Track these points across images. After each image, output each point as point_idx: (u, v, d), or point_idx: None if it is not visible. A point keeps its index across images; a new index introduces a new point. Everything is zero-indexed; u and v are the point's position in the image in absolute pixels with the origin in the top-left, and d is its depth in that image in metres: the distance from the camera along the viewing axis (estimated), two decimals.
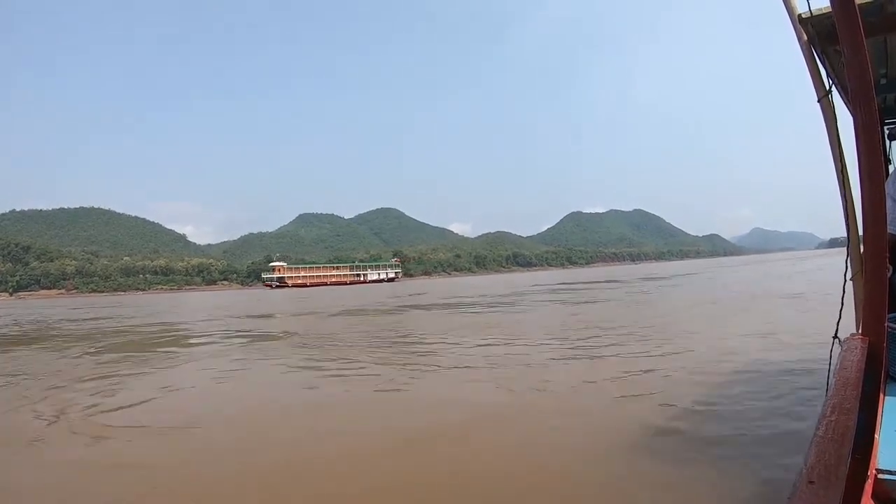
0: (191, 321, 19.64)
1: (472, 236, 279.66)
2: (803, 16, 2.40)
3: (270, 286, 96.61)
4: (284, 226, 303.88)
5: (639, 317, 12.39)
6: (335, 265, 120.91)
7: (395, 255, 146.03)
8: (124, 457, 4.07)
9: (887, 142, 3.70)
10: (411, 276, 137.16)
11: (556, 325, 11.88)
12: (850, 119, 1.62)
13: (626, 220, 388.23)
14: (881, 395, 1.64)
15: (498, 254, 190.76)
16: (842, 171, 2.39)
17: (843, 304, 2.02)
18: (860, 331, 1.82)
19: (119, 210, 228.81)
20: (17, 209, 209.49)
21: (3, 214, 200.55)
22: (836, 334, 1.98)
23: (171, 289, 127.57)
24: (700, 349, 7.09)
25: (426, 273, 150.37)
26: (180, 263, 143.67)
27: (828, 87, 2.39)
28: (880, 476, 1.24)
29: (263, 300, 39.07)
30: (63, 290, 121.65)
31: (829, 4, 1.63)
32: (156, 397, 6.09)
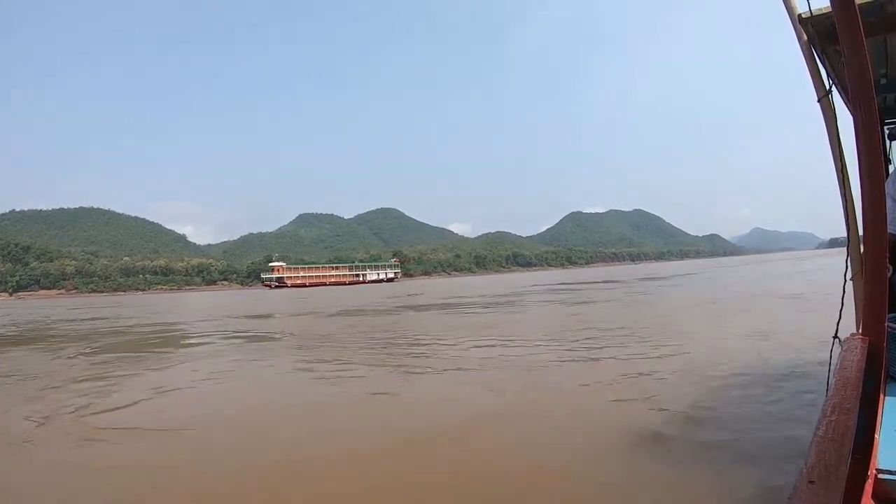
0: (188, 321, 19.63)
1: (472, 236, 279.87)
2: (803, 16, 2.40)
3: (269, 286, 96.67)
4: (284, 226, 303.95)
5: (638, 317, 12.39)
6: (334, 265, 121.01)
7: (394, 256, 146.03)
8: (122, 458, 4.07)
9: (887, 142, 3.70)
10: (411, 276, 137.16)
11: (554, 325, 11.87)
12: (850, 119, 1.62)
13: (625, 220, 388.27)
14: (881, 395, 1.64)
15: (498, 254, 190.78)
16: (842, 171, 2.39)
17: (843, 304, 2.02)
18: (860, 331, 1.82)
19: (119, 210, 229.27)
20: (17, 209, 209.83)
21: (2, 214, 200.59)
22: (836, 334, 1.98)
23: (171, 289, 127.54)
24: (699, 351, 7.02)
25: (426, 273, 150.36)
26: (180, 264, 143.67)
27: (828, 87, 2.39)
28: (880, 476, 1.24)
29: (262, 300, 39.09)
30: (63, 291, 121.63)
31: (829, 4, 1.63)
32: (150, 398, 6.07)
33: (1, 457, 4.28)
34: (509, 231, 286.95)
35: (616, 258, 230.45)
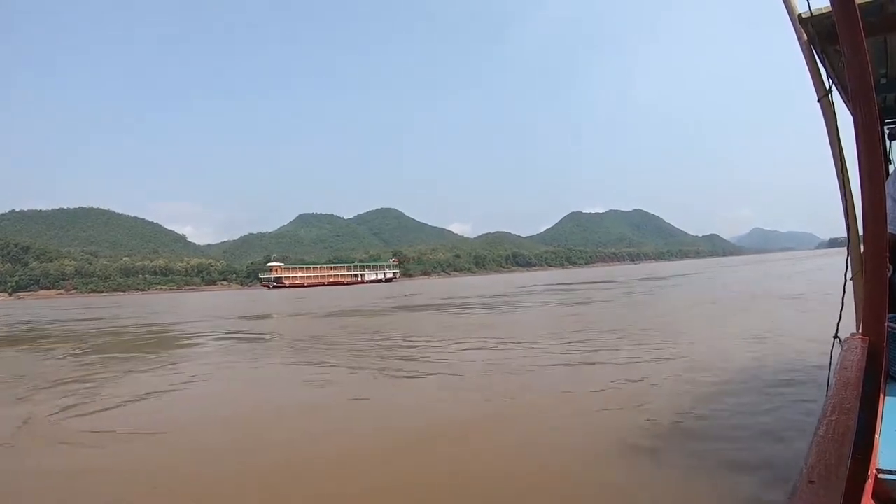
0: (185, 322, 19.61)
1: (472, 236, 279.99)
2: (803, 16, 2.41)
3: (268, 286, 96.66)
4: (284, 226, 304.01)
5: (636, 318, 12.38)
6: (333, 266, 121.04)
7: (394, 256, 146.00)
8: (121, 458, 4.07)
9: (887, 142, 3.70)
10: (410, 276, 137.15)
11: (551, 326, 11.80)
12: (850, 119, 1.62)
13: (625, 221, 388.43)
14: (881, 395, 1.64)
15: (497, 254, 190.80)
16: (842, 170, 2.39)
17: (843, 304, 2.02)
18: (860, 331, 1.82)
19: (118, 210, 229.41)
20: (17, 209, 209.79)
21: (2, 215, 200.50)
22: (836, 334, 1.98)
23: (171, 289, 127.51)
24: (697, 354, 6.84)
25: (425, 273, 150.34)
26: (180, 264, 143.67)
27: (828, 87, 2.40)
28: (880, 476, 1.24)
29: (259, 301, 39.05)
30: (62, 291, 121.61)
31: (829, 4, 1.63)
32: (142, 399, 6.04)
33: (7, 457, 4.27)
34: (509, 231, 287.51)
35: (616, 258, 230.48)
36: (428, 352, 8.61)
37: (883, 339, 1.65)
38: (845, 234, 2.37)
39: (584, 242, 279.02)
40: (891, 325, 1.80)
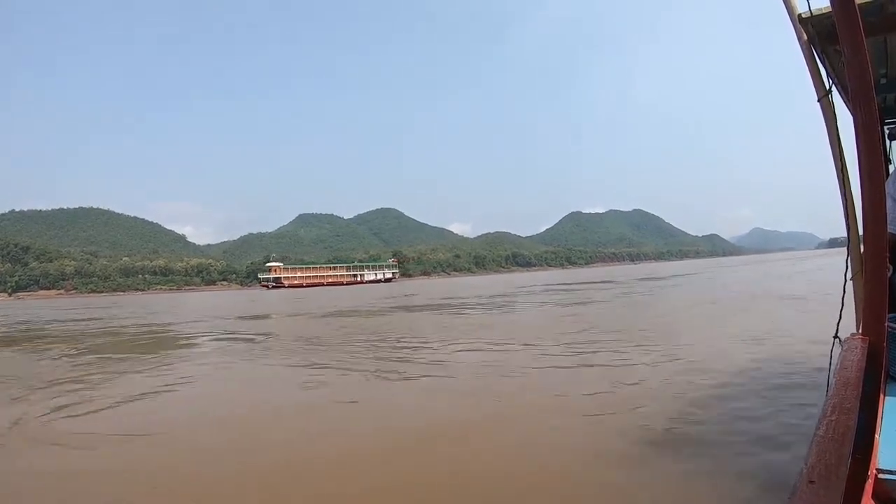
0: (183, 322, 19.61)
1: (472, 236, 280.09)
2: (803, 16, 2.41)
3: (267, 287, 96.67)
4: (284, 226, 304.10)
5: (635, 319, 12.38)
6: (332, 266, 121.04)
7: (393, 256, 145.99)
8: (120, 459, 4.07)
9: (887, 142, 3.70)
10: (410, 276, 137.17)
11: (550, 327, 11.74)
12: (850, 119, 1.62)
13: (625, 221, 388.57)
14: (881, 395, 1.64)
15: (497, 254, 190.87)
16: (842, 170, 2.39)
17: (843, 303, 2.02)
18: (860, 331, 1.82)
19: (118, 210, 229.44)
20: (17, 209, 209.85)
21: (2, 215, 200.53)
22: (836, 334, 1.98)
23: (171, 289, 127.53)
24: (696, 355, 6.75)
25: (425, 273, 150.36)
26: (179, 264, 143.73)
27: (828, 87, 2.40)
28: (880, 476, 1.24)
29: (258, 301, 39.03)
30: (62, 291, 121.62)
31: (829, 4, 1.63)
32: (130, 401, 6.02)
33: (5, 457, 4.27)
34: (509, 231, 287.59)
35: (616, 258, 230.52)
36: (425, 352, 8.59)
37: (883, 339, 1.65)
38: (845, 234, 2.37)
39: (583, 242, 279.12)
40: (891, 325, 1.80)
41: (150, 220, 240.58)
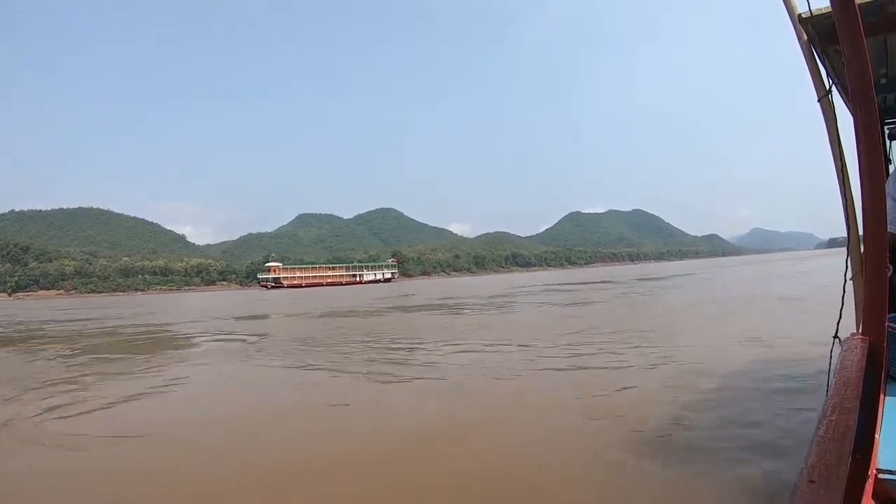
0: (181, 322, 19.62)
1: (472, 236, 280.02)
2: (803, 16, 2.41)
3: (266, 286, 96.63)
4: (284, 226, 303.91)
5: (633, 319, 12.36)
6: (331, 266, 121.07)
7: (393, 256, 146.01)
8: (119, 459, 4.07)
9: (887, 142, 3.71)
10: (410, 276, 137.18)
11: (548, 328, 11.65)
12: (850, 119, 1.62)
13: (625, 221, 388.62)
14: (881, 395, 1.64)
15: (497, 254, 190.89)
16: (842, 170, 2.39)
17: (843, 303, 2.02)
18: (860, 331, 1.82)
19: (118, 210, 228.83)
20: (17, 209, 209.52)
21: (2, 215, 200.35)
22: (836, 334, 1.98)
23: (170, 289, 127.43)
24: (695, 357, 6.71)
25: (425, 273, 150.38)
26: (179, 264, 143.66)
27: (828, 87, 2.40)
28: (881, 476, 1.24)
29: (257, 301, 39.04)
30: (62, 291, 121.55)
31: (829, 4, 1.63)
32: (136, 400, 6.04)
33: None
34: (508, 231, 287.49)
35: (615, 258, 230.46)
36: (422, 354, 8.59)
37: (883, 339, 1.65)
38: (845, 234, 2.37)
39: (583, 242, 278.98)
40: (891, 325, 1.80)
41: (149, 220, 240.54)
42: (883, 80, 3.21)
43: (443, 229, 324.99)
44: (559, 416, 4.62)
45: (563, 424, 4.35)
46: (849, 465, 0.99)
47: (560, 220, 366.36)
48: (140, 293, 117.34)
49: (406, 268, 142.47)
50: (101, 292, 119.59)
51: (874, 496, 1.17)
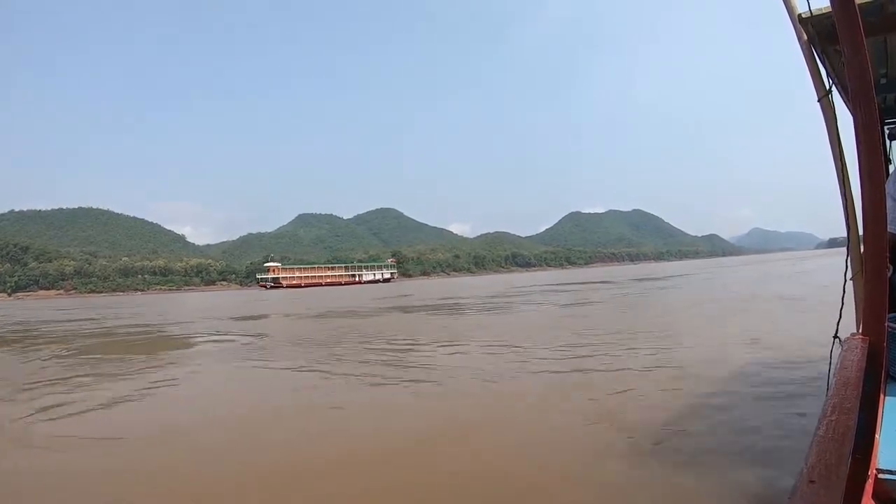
0: (180, 322, 19.62)
1: (471, 236, 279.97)
2: (803, 16, 2.41)
3: (265, 287, 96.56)
4: (283, 226, 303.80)
5: (634, 320, 12.35)
6: (330, 266, 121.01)
7: (393, 256, 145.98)
8: (119, 459, 4.07)
9: (887, 142, 3.71)
10: (409, 276, 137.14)
11: (547, 328, 11.60)
12: (850, 119, 1.62)
13: (625, 221, 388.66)
14: (881, 395, 1.64)
15: (497, 254, 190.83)
16: (842, 170, 2.39)
17: (843, 303, 2.02)
18: (860, 331, 1.82)
19: (118, 210, 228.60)
20: (16, 209, 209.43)
21: (2, 215, 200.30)
22: (836, 334, 1.98)
23: (170, 289, 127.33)
24: (694, 358, 6.66)
25: (425, 273, 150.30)
26: (179, 264, 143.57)
27: (828, 87, 2.40)
28: (881, 476, 1.24)
29: (256, 301, 39.02)
30: (62, 291, 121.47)
31: (829, 4, 1.63)
32: (135, 400, 6.04)
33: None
34: (508, 231, 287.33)
35: (615, 258, 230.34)
36: (421, 354, 8.59)
37: (883, 339, 1.65)
38: (845, 234, 2.37)
39: (583, 243, 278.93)
40: (891, 325, 1.80)
41: (149, 220, 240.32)
42: (883, 80, 3.21)
43: (443, 229, 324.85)
44: (559, 416, 4.62)
45: (562, 425, 4.36)
46: (849, 465, 0.99)
47: (560, 220, 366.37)
48: (140, 293, 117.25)
49: (406, 268, 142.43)
50: (101, 292, 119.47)
51: (874, 496, 1.17)
